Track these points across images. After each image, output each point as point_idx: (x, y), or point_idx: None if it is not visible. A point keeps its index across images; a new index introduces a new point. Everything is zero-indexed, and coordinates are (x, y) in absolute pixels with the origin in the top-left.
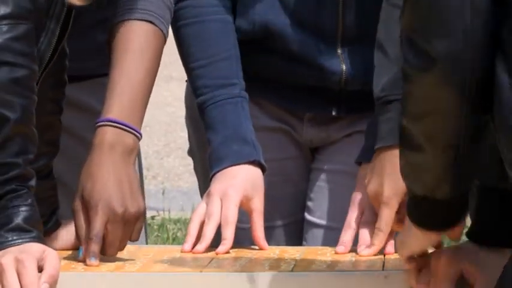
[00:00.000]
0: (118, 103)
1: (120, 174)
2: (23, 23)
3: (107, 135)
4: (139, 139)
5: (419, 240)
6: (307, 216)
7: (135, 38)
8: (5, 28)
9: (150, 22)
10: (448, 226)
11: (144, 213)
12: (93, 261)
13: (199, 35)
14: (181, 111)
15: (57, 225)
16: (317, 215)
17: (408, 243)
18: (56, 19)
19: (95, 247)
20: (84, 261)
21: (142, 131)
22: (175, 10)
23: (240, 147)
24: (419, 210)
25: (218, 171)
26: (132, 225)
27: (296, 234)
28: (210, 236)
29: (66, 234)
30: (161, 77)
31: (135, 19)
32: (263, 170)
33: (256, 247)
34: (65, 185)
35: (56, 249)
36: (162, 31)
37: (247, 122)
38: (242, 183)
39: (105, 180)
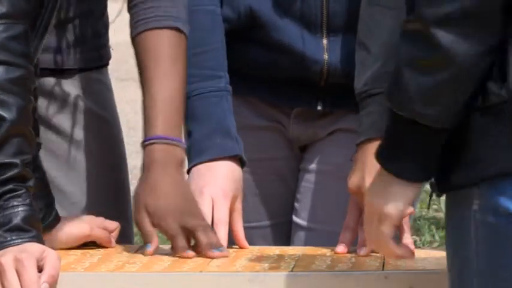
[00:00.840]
0: (162, 118)
1: (180, 188)
2: (19, 22)
3: (158, 152)
4: (184, 149)
5: (396, 199)
6: (294, 218)
7: (165, 48)
8: (0, 28)
9: (176, 29)
10: (429, 170)
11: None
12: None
13: (192, 23)
14: None
15: (57, 219)
16: (301, 216)
17: (383, 212)
18: (46, 20)
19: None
20: (150, 254)
21: (141, 132)
22: None
23: (223, 140)
24: (401, 149)
25: (199, 163)
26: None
27: (285, 235)
28: None
29: (68, 232)
30: None
31: (161, 27)
32: (243, 165)
33: (256, 247)
34: (52, 182)
35: (57, 248)
36: (185, 34)
37: (230, 116)
38: (229, 186)
39: (167, 195)
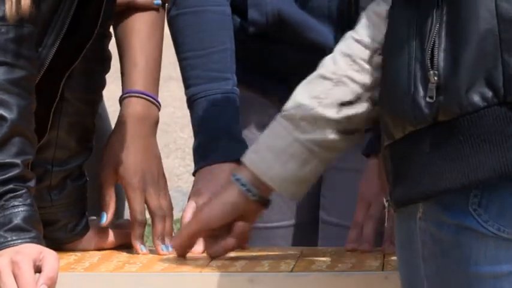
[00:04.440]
0: (143, 77)
1: (151, 148)
2: (23, 26)
3: (138, 106)
4: (159, 110)
5: None
6: (322, 216)
7: (146, 19)
8: (3, 29)
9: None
10: None
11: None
12: (144, 250)
13: (196, 25)
14: (181, 112)
15: (87, 229)
16: (332, 213)
17: None
18: (63, 16)
19: (141, 231)
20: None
21: None
22: None
23: (228, 143)
24: None
25: (204, 166)
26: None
27: (310, 234)
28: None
29: (94, 242)
30: (161, 77)
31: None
32: None
33: (256, 247)
34: None
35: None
36: (164, 9)
37: (237, 119)
38: None
39: (139, 154)
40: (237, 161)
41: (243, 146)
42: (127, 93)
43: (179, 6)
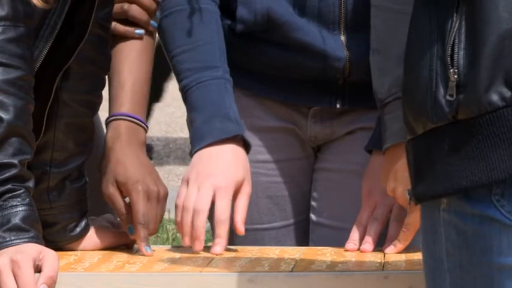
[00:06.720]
0: (130, 99)
1: (144, 161)
2: (19, 25)
3: (122, 128)
4: (146, 132)
5: None
6: (314, 217)
7: (134, 44)
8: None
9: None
10: None
11: (166, 195)
12: (149, 251)
13: (181, 23)
14: (180, 112)
15: (87, 230)
16: (324, 215)
17: None
18: (54, 20)
19: (145, 232)
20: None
21: None
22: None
23: (222, 124)
24: None
25: (201, 149)
26: (162, 206)
27: (301, 235)
28: (203, 232)
29: (94, 242)
30: None
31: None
32: (247, 147)
33: (256, 247)
34: None
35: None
36: (152, 35)
37: (230, 100)
38: (234, 173)
39: (134, 164)
40: (234, 139)
41: (238, 124)
42: (112, 116)
43: (163, 9)
